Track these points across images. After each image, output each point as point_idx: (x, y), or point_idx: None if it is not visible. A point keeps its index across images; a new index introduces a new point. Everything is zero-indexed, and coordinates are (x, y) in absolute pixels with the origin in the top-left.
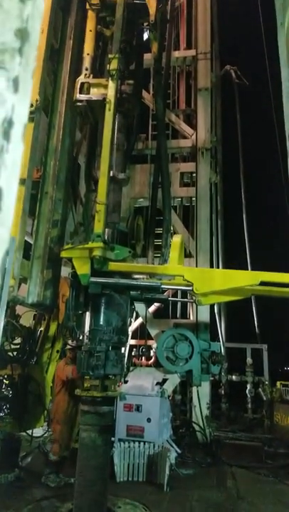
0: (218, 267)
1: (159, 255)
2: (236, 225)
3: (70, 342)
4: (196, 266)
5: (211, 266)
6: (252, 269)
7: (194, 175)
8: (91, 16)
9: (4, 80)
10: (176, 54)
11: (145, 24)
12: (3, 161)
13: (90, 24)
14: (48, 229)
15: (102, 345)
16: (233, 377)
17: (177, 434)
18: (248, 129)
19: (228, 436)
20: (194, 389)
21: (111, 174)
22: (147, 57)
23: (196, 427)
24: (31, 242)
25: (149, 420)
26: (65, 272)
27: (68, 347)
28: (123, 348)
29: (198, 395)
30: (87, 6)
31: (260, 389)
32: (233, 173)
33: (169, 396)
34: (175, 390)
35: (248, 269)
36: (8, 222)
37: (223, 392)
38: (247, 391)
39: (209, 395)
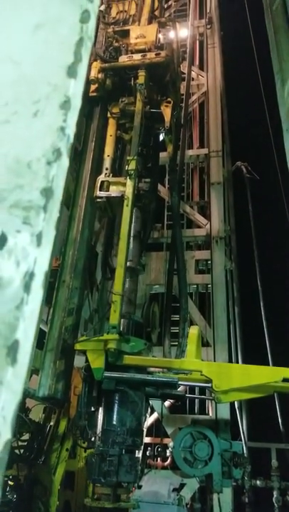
0: (237, 357)
1: (175, 343)
2: (255, 312)
3: None
4: (214, 356)
5: (230, 356)
6: (273, 359)
7: (209, 262)
8: (112, 123)
9: (29, 235)
10: (189, 152)
11: (161, 129)
12: (22, 314)
13: (111, 130)
14: (63, 318)
15: (115, 448)
16: (258, 482)
17: None
18: (261, 218)
19: None
20: (215, 496)
21: (128, 265)
22: (163, 155)
23: None
24: (45, 329)
25: None
26: (78, 360)
27: None
28: (137, 451)
29: (219, 503)
30: (109, 114)
31: (288, 496)
32: (248, 260)
33: (187, 504)
34: (194, 497)
35: (268, 358)
36: (22, 374)
37: (247, 500)
38: (274, 499)
39: (232, 504)
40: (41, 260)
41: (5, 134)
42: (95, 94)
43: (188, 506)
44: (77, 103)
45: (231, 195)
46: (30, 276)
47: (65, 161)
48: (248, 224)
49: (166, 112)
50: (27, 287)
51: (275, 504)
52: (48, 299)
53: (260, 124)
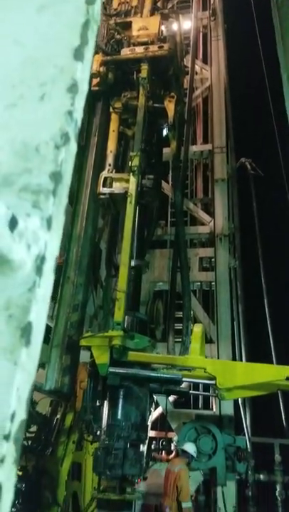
0: (240, 354)
1: (179, 340)
2: (258, 310)
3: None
4: (218, 352)
5: (233, 352)
6: (276, 356)
7: (213, 260)
8: (114, 118)
9: (39, 219)
10: (193, 148)
11: (164, 124)
12: (34, 296)
13: (113, 125)
14: (69, 313)
15: (120, 443)
16: (261, 476)
17: None
18: (265, 215)
19: None
20: (219, 489)
21: (132, 264)
22: (167, 150)
23: None
24: (51, 324)
25: None
26: (83, 355)
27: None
28: (142, 445)
29: (223, 496)
30: (111, 109)
31: None
32: (252, 258)
33: (191, 496)
34: (198, 489)
35: (272, 355)
36: (36, 355)
37: (250, 493)
38: (277, 493)
39: (235, 497)
40: (51, 245)
41: (12, 118)
42: (96, 88)
43: (192, 498)
44: (84, 87)
45: (235, 191)
46: (41, 259)
47: (73, 146)
48: (252, 221)
49: (170, 107)
50: (39, 270)
51: (278, 498)
52: (53, 295)
53: (264, 119)
